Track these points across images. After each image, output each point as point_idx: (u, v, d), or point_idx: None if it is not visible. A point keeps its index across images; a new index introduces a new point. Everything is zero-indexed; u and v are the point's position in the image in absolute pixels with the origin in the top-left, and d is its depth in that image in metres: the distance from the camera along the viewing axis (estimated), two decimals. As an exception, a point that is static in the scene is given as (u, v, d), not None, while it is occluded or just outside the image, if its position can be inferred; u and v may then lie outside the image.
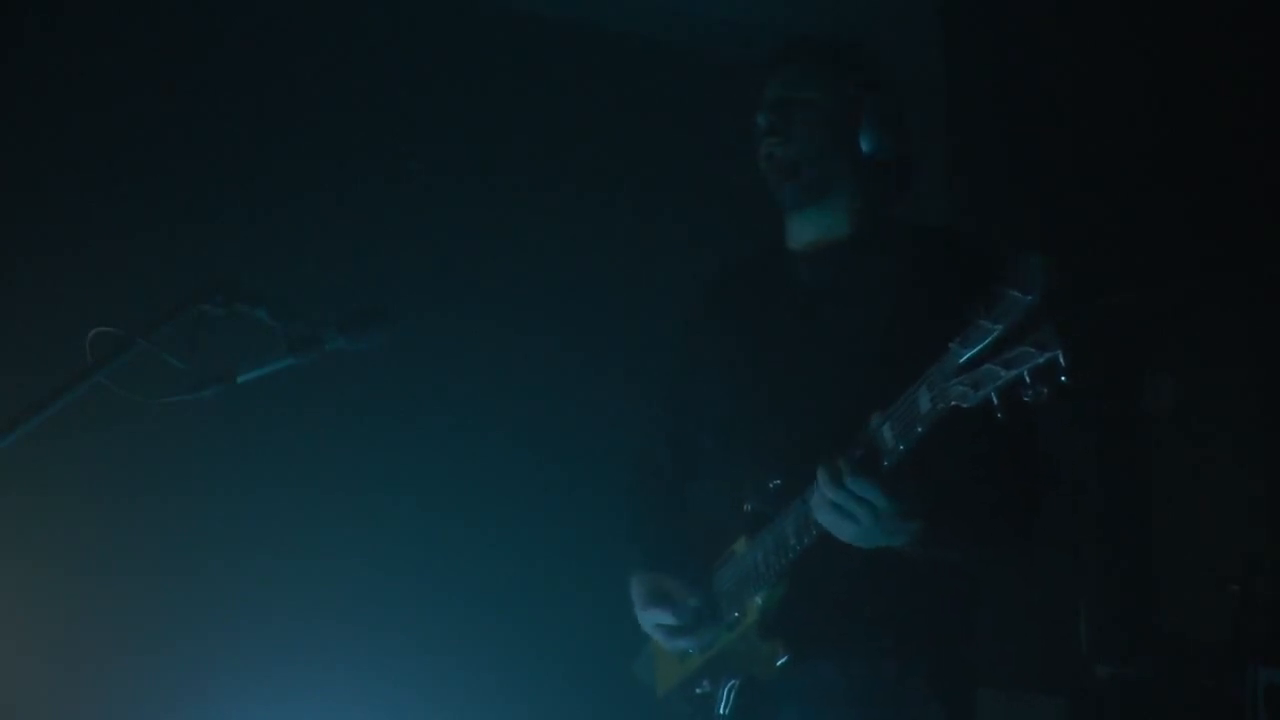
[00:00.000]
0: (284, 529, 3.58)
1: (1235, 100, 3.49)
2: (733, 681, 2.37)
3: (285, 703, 3.54)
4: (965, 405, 1.83)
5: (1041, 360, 1.73)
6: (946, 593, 2.31)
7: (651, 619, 2.47)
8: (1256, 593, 3.34)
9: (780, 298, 2.44)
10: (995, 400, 1.80)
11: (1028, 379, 1.75)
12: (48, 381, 2.06)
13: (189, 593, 3.46)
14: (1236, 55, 3.49)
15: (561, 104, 4.17)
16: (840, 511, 2.03)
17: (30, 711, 3.27)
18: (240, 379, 2.22)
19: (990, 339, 1.78)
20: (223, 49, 3.65)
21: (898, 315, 2.26)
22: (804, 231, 2.43)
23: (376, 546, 3.72)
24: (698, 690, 2.47)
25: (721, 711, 2.37)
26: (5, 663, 3.28)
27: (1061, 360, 1.71)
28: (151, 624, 3.43)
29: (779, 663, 2.26)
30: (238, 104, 3.66)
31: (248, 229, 3.61)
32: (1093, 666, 3.59)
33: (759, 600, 2.30)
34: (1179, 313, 3.71)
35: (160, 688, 3.42)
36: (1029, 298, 1.73)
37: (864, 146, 2.35)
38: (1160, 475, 3.76)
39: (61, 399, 2.04)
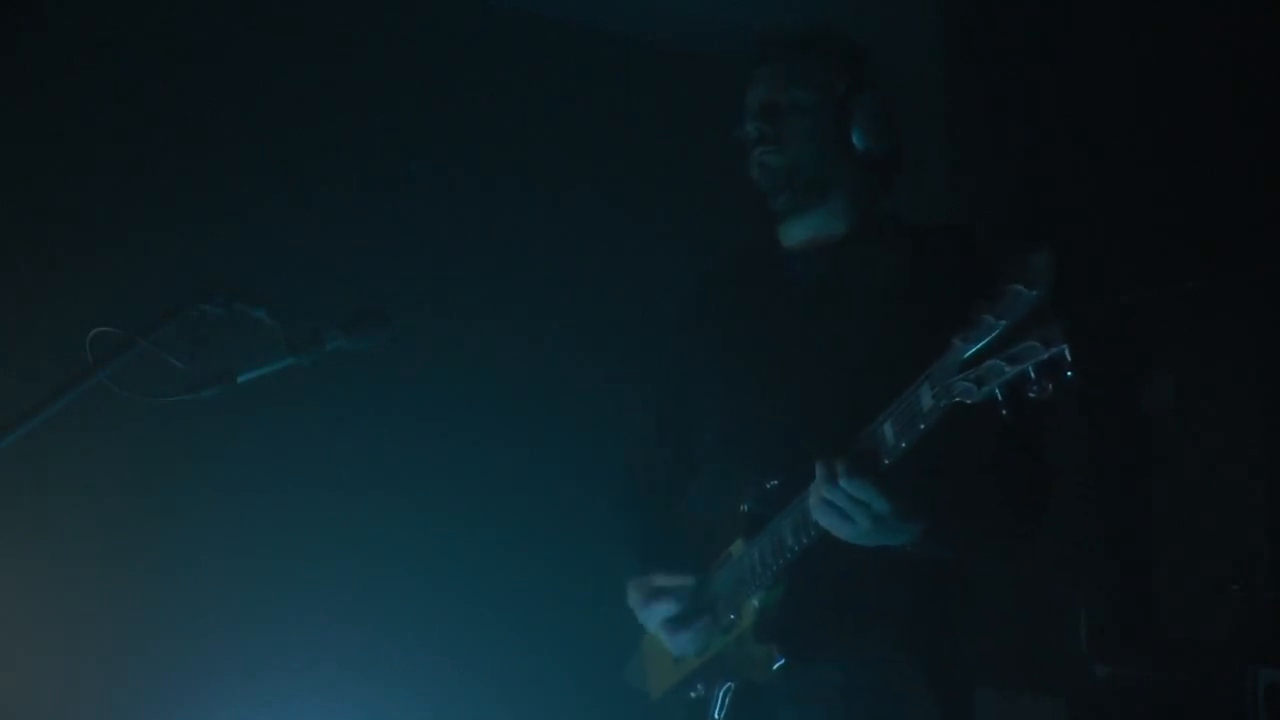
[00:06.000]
0: (284, 529, 3.57)
1: (1235, 100, 3.50)
2: (728, 685, 2.33)
3: (285, 702, 3.54)
4: (969, 401, 1.80)
5: (1046, 355, 1.70)
6: (944, 593, 2.28)
7: (655, 614, 2.42)
8: (1256, 593, 3.34)
9: (778, 296, 2.41)
10: (1000, 397, 1.77)
11: (1033, 374, 1.72)
12: (48, 381, 2.06)
13: (189, 592, 3.46)
14: (1237, 55, 3.48)
15: (561, 104, 4.17)
16: (837, 511, 1.99)
17: (30, 711, 3.26)
18: (240, 379, 2.21)
19: (994, 334, 1.75)
20: (223, 49, 3.65)
21: (897, 312, 2.23)
22: (801, 232, 2.40)
23: (377, 546, 3.71)
24: (692, 694, 2.43)
25: (716, 715, 2.33)
26: (5, 663, 3.27)
27: (1067, 355, 1.68)
28: (152, 624, 3.42)
29: (775, 666, 2.22)
30: (238, 104, 3.66)
31: (248, 229, 3.60)
32: (1093, 666, 3.58)
33: (756, 602, 2.26)
34: (1179, 313, 3.71)
35: (161, 687, 3.41)
36: (1034, 293, 1.70)
37: (857, 143, 2.31)
38: (1160, 475, 3.75)
39: (61, 399, 2.04)
